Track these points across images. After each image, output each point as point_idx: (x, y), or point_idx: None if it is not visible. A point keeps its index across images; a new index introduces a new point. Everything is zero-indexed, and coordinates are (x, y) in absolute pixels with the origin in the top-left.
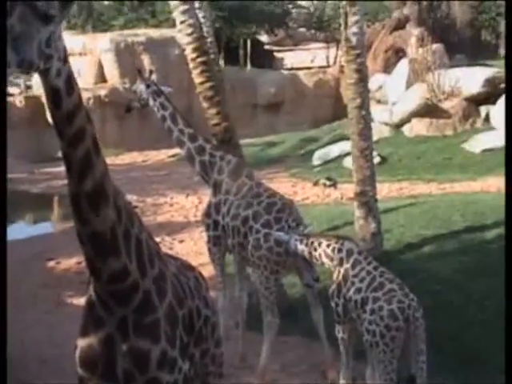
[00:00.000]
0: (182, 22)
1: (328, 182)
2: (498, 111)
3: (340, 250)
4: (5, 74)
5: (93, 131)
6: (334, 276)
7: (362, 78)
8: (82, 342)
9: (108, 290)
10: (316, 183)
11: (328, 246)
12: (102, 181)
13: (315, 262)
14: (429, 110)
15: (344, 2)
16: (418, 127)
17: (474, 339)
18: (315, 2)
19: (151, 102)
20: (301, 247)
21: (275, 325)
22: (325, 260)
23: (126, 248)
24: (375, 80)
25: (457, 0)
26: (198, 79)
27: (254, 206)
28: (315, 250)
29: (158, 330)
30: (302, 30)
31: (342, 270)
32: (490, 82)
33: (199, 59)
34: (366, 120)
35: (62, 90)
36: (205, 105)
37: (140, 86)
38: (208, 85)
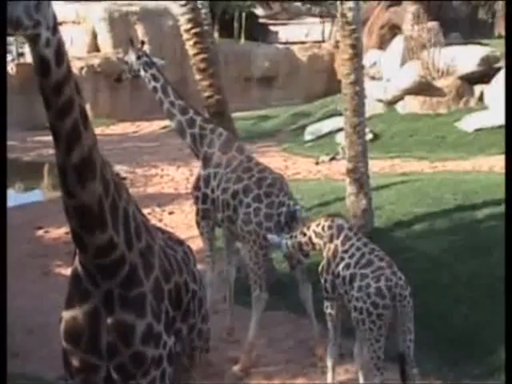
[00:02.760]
0: None
1: (327, 158)
2: (491, 90)
3: (330, 227)
4: (5, 72)
5: (81, 103)
6: (324, 252)
7: (357, 54)
8: (66, 315)
9: (94, 263)
10: (318, 163)
11: (317, 225)
12: (90, 153)
13: (307, 249)
14: (423, 88)
15: None
16: (412, 105)
17: (462, 318)
18: None
19: (142, 73)
20: (291, 242)
21: (263, 300)
22: (315, 240)
23: (112, 221)
24: (370, 56)
25: None
26: (191, 51)
27: (245, 180)
28: (304, 235)
29: (144, 305)
30: (298, 4)
31: (332, 246)
32: (484, 61)
33: (193, 30)
34: (359, 96)
35: (51, 60)
36: (198, 77)
37: (131, 57)
38: (201, 56)
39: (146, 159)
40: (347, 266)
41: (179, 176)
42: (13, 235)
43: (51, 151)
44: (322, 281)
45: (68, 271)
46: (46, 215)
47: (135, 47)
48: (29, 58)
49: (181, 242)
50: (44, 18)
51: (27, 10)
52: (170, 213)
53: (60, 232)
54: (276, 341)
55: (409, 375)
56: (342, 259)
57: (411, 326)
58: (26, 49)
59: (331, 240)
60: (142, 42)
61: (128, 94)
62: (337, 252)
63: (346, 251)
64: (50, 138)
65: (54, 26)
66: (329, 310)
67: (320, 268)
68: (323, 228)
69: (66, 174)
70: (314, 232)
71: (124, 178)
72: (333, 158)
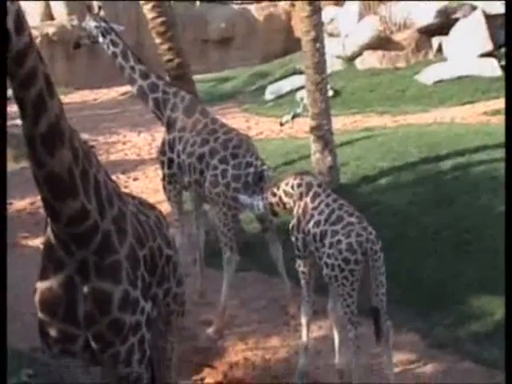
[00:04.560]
0: None
1: (289, 116)
2: (450, 42)
3: (299, 185)
4: (5, 70)
5: (46, 71)
6: (295, 211)
7: (316, 11)
8: (41, 285)
9: (67, 232)
10: (282, 123)
11: (286, 184)
12: (57, 122)
13: (278, 210)
14: (381, 43)
15: None
16: (371, 60)
17: (430, 270)
18: None
19: (101, 39)
20: (263, 203)
21: (234, 261)
22: (285, 200)
23: (84, 188)
24: (327, 13)
25: None
26: (149, 14)
27: (211, 142)
28: (275, 195)
29: (120, 271)
30: None
31: (302, 204)
32: (442, 13)
33: None
34: (320, 53)
35: (11, 29)
36: (157, 40)
37: (89, 23)
38: (160, 20)
39: (106, 126)
40: (317, 223)
41: (141, 142)
42: None
43: (9, 122)
44: (293, 239)
45: (35, 242)
46: (9, 187)
47: (92, 13)
48: None
49: (152, 207)
50: None
51: None
52: (135, 179)
53: (24, 203)
54: (248, 301)
55: (382, 328)
56: (312, 216)
57: (383, 279)
58: None
59: (300, 198)
60: (99, 8)
61: (85, 61)
62: (307, 209)
63: (315, 208)
64: (9, 108)
65: None
66: (301, 268)
67: (290, 226)
68: (292, 186)
69: (34, 143)
70: (284, 191)
71: (92, 147)
72: (293, 117)
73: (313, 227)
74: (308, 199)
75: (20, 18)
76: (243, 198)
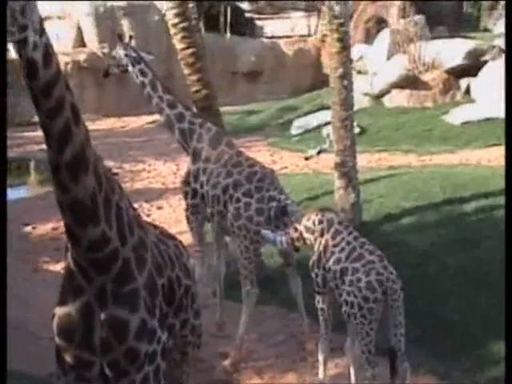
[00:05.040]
0: None
1: (315, 151)
2: (478, 84)
3: (321, 221)
4: (4, 72)
5: (72, 100)
6: (316, 247)
7: (345, 48)
8: (59, 311)
9: (87, 258)
10: (307, 158)
11: (308, 219)
12: (83, 149)
13: (299, 245)
14: (409, 82)
15: None
16: (398, 98)
17: (451, 311)
18: None
19: (130, 69)
20: (285, 238)
21: (254, 295)
22: (306, 235)
23: (106, 215)
24: (356, 50)
25: None
26: (179, 45)
27: (235, 174)
28: (296, 230)
29: (137, 300)
30: None
31: (323, 241)
32: (470, 55)
33: (181, 25)
34: (347, 90)
35: (40, 62)
36: (186, 71)
37: (119, 52)
38: (189, 51)
39: (132, 154)
40: (338, 261)
41: (166, 171)
42: None
43: (36, 147)
44: (313, 275)
45: (56, 267)
46: (32, 212)
47: (123, 42)
48: (14, 54)
49: (172, 237)
50: (30, 22)
51: (12, 15)
52: (158, 208)
53: (47, 228)
54: (266, 336)
55: (399, 369)
56: (333, 253)
57: (402, 319)
58: (11, 44)
59: (322, 234)
60: (131, 37)
61: (114, 89)
62: (327, 246)
63: (336, 245)
64: (35, 133)
65: (41, 29)
66: (320, 305)
67: (311, 263)
68: (314, 222)
69: (59, 170)
70: (305, 227)
71: (116, 174)
72: (319, 152)
73: (333, 264)
74: (329, 236)
75: (48, 50)
76: (266, 233)
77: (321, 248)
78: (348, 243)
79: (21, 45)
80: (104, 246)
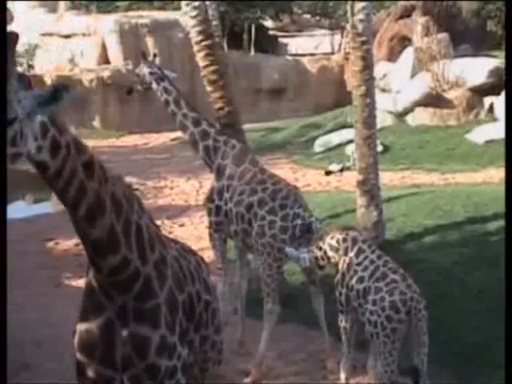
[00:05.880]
0: (187, 5)
1: (337, 167)
2: (501, 102)
3: (345, 240)
4: (5, 81)
5: (84, 158)
6: (340, 265)
7: (368, 66)
8: (81, 327)
9: (109, 281)
10: (328, 173)
11: (332, 238)
12: (97, 197)
13: (323, 264)
14: (433, 100)
15: None
16: (422, 116)
17: (473, 331)
18: None
19: (154, 86)
20: (308, 256)
21: (276, 312)
22: (330, 254)
23: (125, 240)
24: (380, 68)
25: None
26: (202, 62)
27: (259, 192)
28: (320, 249)
29: (158, 316)
30: (307, 16)
31: (347, 259)
32: (494, 73)
33: (204, 42)
34: (370, 108)
35: (47, 158)
36: (209, 88)
37: (143, 69)
38: (212, 68)
39: (155, 171)
40: (361, 280)
41: (189, 188)
42: (23, 247)
43: None
44: (337, 294)
45: (78, 283)
46: (56, 227)
47: (147, 60)
48: (38, 70)
49: (193, 252)
50: (24, 145)
51: (13, 141)
52: (181, 225)
53: (70, 244)
54: (286, 353)
55: None
56: (356, 272)
57: (426, 339)
58: (36, 61)
59: (346, 253)
60: (155, 55)
61: (138, 106)
62: (351, 265)
63: (359, 264)
64: None
65: (44, 132)
66: (343, 324)
67: (335, 281)
68: (338, 241)
69: (75, 219)
70: (329, 245)
71: (136, 189)
72: (342, 170)
73: (356, 283)
74: (353, 255)
75: (56, 139)
76: (290, 250)
77: (345, 266)
78: (371, 262)
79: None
80: (125, 269)
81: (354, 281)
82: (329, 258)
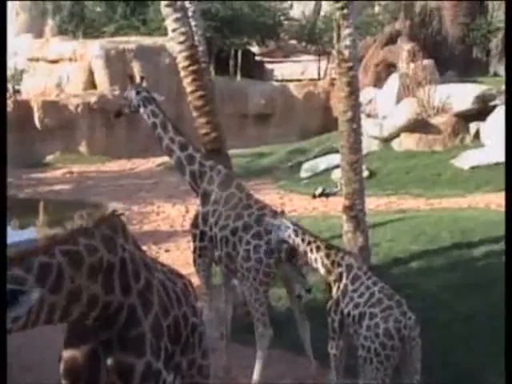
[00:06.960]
0: (174, 30)
1: (321, 191)
2: (487, 128)
3: (339, 265)
4: (5, 84)
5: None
6: (333, 291)
7: (354, 92)
8: (66, 354)
9: (91, 317)
10: (315, 196)
11: (327, 256)
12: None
13: (307, 264)
14: (418, 125)
15: (337, 15)
16: (408, 142)
17: (462, 356)
18: (307, 15)
19: (142, 109)
20: (296, 239)
21: (268, 336)
22: (320, 268)
23: (105, 286)
24: (365, 94)
25: (448, 17)
26: (188, 88)
27: (245, 217)
28: (311, 251)
29: (143, 344)
30: (293, 41)
31: (341, 286)
32: (480, 99)
33: (190, 68)
34: (356, 133)
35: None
36: (195, 114)
37: (131, 92)
38: (199, 94)
39: (141, 196)
40: (356, 306)
41: (175, 213)
42: None
43: (46, 188)
44: (329, 321)
45: None
46: None
47: (135, 83)
48: (25, 95)
49: (180, 276)
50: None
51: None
52: (167, 250)
53: None
54: (273, 379)
55: None
56: (352, 299)
57: (419, 366)
58: (22, 86)
59: (340, 279)
60: (142, 78)
61: (124, 131)
62: (346, 291)
63: (355, 290)
64: (44, 174)
65: (40, 277)
66: (333, 351)
67: (328, 307)
68: (333, 264)
69: None
70: (322, 261)
71: (122, 214)
72: (326, 192)
73: (352, 309)
74: (348, 281)
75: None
76: (269, 219)
77: (339, 293)
78: (367, 288)
79: None
80: (107, 308)
81: (349, 307)
82: (316, 267)
